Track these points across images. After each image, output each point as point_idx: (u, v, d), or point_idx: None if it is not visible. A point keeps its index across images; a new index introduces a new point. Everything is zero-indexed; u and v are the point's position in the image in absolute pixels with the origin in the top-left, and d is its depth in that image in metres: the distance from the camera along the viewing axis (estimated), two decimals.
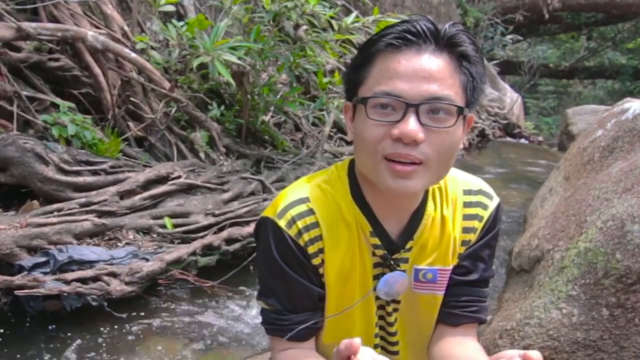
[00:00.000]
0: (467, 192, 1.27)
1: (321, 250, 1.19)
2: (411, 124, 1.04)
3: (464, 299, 1.29)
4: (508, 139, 10.07)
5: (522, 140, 10.20)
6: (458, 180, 1.27)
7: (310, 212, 1.18)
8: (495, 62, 11.15)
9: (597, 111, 8.53)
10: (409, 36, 1.07)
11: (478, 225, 1.26)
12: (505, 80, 13.07)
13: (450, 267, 1.26)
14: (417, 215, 1.22)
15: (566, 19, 14.79)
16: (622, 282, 2.00)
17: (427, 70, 1.06)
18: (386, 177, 1.08)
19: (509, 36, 11.78)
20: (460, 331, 1.30)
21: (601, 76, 17.50)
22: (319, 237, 1.19)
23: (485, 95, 9.30)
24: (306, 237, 1.17)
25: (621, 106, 2.95)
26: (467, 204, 1.26)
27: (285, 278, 1.19)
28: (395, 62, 1.07)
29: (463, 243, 1.26)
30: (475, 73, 1.11)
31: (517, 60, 14.93)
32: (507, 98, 10.61)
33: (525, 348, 2.19)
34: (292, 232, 1.17)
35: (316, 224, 1.18)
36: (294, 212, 1.18)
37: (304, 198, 1.20)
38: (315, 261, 1.19)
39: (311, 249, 1.18)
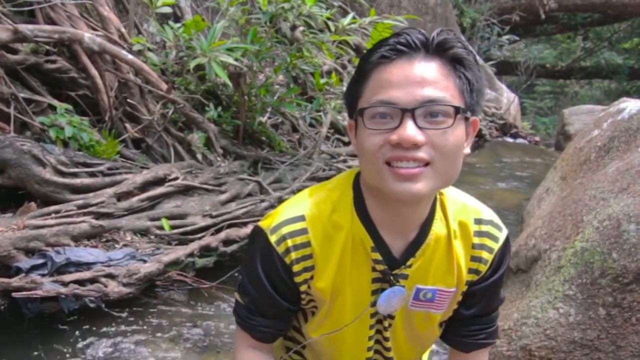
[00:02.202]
0: (478, 222, 1.27)
1: (310, 269, 1.22)
2: (409, 129, 1.05)
3: (473, 328, 1.35)
4: (505, 139, 10.09)
5: (519, 140, 10.22)
6: (469, 208, 1.28)
7: (304, 231, 1.21)
8: (491, 62, 11.16)
9: (593, 111, 8.56)
10: (400, 47, 1.09)
11: (487, 256, 1.27)
12: (502, 81, 13.08)
13: (453, 289, 1.27)
14: (423, 232, 1.22)
15: (562, 19, 14.83)
16: (618, 282, 2.00)
17: (419, 75, 1.07)
18: (390, 181, 1.09)
19: (506, 37, 11.79)
20: (472, 356, 1.40)
21: (598, 76, 17.54)
22: (309, 256, 1.21)
23: None
24: (293, 255, 1.21)
25: (617, 106, 2.96)
26: (477, 233, 1.26)
27: (262, 289, 1.25)
28: (387, 73, 1.09)
29: (470, 271, 1.27)
30: (471, 76, 1.12)
31: (513, 61, 14.96)
32: (504, 98, 10.63)
33: (522, 348, 2.20)
34: (280, 249, 1.21)
35: (307, 244, 1.21)
36: (286, 230, 1.21)
37: (299, 216, 1.22)
38: (298, 279, 1.23)
39: (296, 267, 1.21)
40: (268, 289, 1.24)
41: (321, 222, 1.22)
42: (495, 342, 1.44)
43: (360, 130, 1.13)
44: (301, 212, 1.22)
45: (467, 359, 1.39)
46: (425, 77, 1.07)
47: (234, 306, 1.34)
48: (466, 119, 1.12)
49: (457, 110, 1.08)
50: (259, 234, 1.24)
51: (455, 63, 1.10)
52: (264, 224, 1.24)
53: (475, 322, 1.34)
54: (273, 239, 1.21)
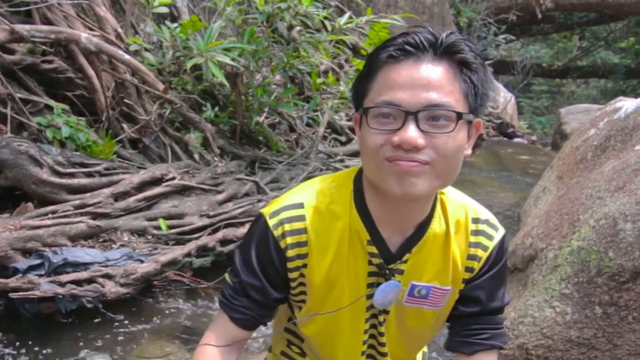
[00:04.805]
0: (475, 221, 1.29)
1: (304, 256, 1.24)
2: (410, 131, 1.06)
3: (475, 327, 1.34)
4: (502, 138, 10.13)
5: (516, 140, 10.25)
6: (468, 207, 1.30)
7: (301, 218, 1.23)
8: (488, 62, 11.17)
9: (590, 110, 8.59)
10: (408, 47, 1.10)
11: (482, 254, 1.28)
12: (498, 80, 13.13)
13: (448, 288, 1.28)
14: (421, 229, 1.24)
15: (559, 18, 14.87)
16: (615, 280, 2.01)
17: (425, 78, 1.08)
18: (390, 180, 1.10)
19: (502, 36, 11.82)
20: (477, 359, 1.34)
21: (594, 75, 17.61)
22: (304, 243, 1.23)
23: None
24: (289, 240, 1.22)
25: (613, 105, 2.97)
26: (473, 232, 1.28)
27: (252, 272, 1.27)
28: (394, 73, 1.10)
29: (467, 269, 1.29)
30: (477, 80, 1.12)
31: (510, 60, 15.01)
32: (501, 98, 10.66)
33: (519, 347, 2.21)
34: (276, 232, 1.23)
35: (303, 230, 1.23)
36: (284, 215, 1.23)
37: (299, 204, 1.25)
38: (291, 264, 1.24)
39: (290, 253, 1.23)
40: (257, 272, 1.26)
41: (319, 211, 1.24)
42: (503, 347, 1.38)
43: (363, 127, 1.15)
44: (301, 200, 1.25)
45: None
46: (431, 81, 1.08)
47: (223, 288, 1.34)
48: (469, 122, 1.13)
49: (460, 116, 1.09)
50: (259, 218, 1.27)
51: (462, 66, 1.11)
52: (265, 209, 1.27)
53: (476, 320, 1.34)
54: (271, 222, 1.23)
